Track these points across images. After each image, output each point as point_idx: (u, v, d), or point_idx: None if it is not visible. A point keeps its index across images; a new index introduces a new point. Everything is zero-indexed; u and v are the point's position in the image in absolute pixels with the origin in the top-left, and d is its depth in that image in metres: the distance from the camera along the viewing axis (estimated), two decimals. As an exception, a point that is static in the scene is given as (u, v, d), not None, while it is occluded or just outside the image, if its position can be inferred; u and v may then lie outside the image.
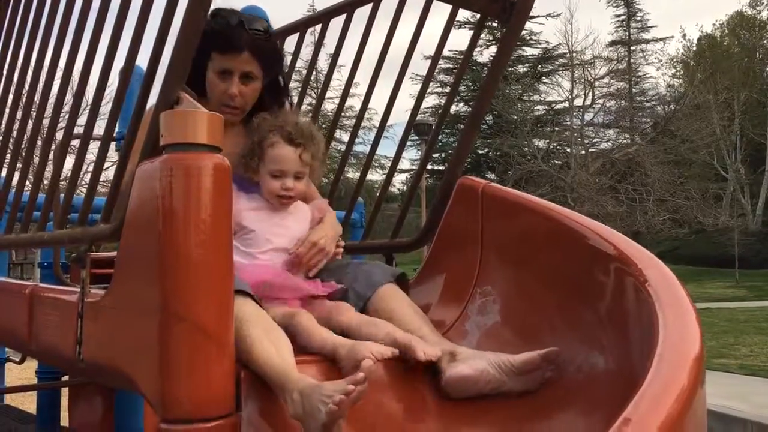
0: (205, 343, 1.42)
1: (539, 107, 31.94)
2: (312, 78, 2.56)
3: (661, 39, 35.35)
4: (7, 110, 2.42)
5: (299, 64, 3.22)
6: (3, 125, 2.45)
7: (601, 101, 30.11)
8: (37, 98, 2.19)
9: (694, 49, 37.64)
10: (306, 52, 2.98)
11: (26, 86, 2.25)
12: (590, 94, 29.57)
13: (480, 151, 30.53)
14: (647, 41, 35.33)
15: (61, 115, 2.24)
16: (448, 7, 2.42)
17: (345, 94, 2.78)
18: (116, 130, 3.42)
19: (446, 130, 30.86)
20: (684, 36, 48.36)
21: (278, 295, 1.95)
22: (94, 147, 2.51)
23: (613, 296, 1.73)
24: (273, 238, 2.08)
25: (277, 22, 2.75)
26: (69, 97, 2.24)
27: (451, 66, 30.70)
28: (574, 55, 30.03)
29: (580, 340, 1.81)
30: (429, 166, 26.13)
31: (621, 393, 1.44)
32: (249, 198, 2.14)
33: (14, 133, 2.37)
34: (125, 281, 1.65)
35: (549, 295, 1.95)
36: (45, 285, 2.67)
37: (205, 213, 1.44)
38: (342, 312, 1.95)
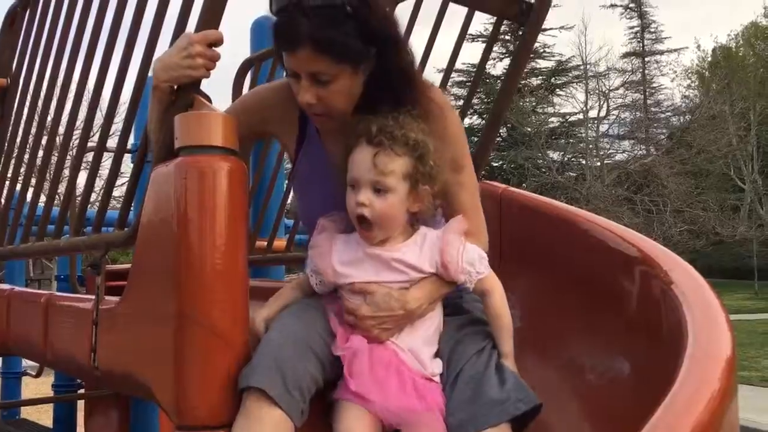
0: (220, 348, 1.40)
1: (553, 119, 31.76)
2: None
3: (675, 50, 35.16)
4: (23, 123, 2.41)
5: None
6: (18, 139, 2.44)
7: (615, 112, 29.94)
8: (51, 111, 2.19)
9: (709, 59, 37.38)
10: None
11: (41, 100, 2.24)
12: (605, 105, 29.38)
13: (494, 164, 30.34)
14: (661, 52, 35.15)
15: (76, 126, 2.22)
16: (460, 22, 2.40)
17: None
18: (131, 142, 3.43)
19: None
20: (698, 47, 47.71)
21: None
22: (108, 159, 2.51)
23: (638, 300, 1.68)
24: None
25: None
26: (83, 112, 2.22)
27: (464, 79, 30.70)
28: (588, 66, 29.90)
29: (603, 346, 1.76)
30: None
31: (647, 398, 1.40)
32: (346, 242, 1.60)
33: (29, 146, 2.36)
34: (140, 286, 1.63)
35: (571, 301, 1.91)
36: (60, 294, 2.66)
37: (220, 216, 1.42)
38: None
